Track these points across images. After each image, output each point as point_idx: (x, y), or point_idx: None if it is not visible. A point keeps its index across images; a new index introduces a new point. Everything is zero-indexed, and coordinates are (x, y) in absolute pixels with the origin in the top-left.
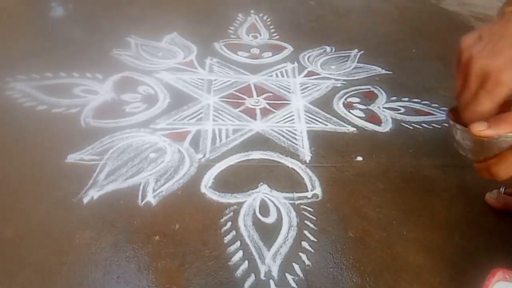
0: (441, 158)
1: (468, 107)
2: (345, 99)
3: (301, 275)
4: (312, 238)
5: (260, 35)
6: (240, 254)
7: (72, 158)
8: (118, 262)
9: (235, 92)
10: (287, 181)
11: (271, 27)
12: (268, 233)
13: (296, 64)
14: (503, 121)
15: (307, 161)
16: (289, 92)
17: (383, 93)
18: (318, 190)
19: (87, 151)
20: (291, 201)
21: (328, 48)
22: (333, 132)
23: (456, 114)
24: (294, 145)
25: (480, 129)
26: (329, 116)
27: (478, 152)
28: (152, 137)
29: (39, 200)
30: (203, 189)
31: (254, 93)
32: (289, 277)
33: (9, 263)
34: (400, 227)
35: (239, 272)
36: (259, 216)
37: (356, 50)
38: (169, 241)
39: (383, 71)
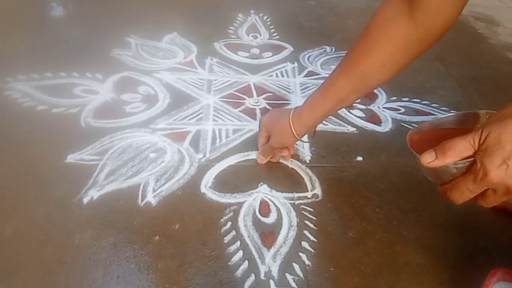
0: None
1: None
2: None
3: (301, 275)
4: (312, 238)
5: (260, 35)
6: (240, 254)
7: (72, 158)
8: (118, 262)
9: (235, 92)
10: (287, 181)
11: (271, 27)
12: (268, 233)
13: (296, 64)
14: (449, 149)
15: (307, 161)
16: (289, 92)
17: (383, 93)
18: (318, 190)
19: (87, 151)
20: (291, 201)
21: (328, 48)
22: (333, 132)
23: (419, 136)
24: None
25: (428, 160)
26: (329, 116)
27: (435, 177)
28: (152, 137)
29: (39, 200)
30: (203, 189)
31: (254, 93)
32: (289, 277)
33: (9, 263)
34: (400, 227)
35: (239, 272)
36: (259, 216)
37: None
38: (169, 241)
39: None
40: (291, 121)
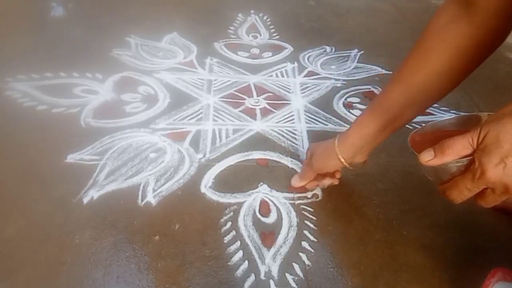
0: None
1: None
2: (345, 99)
3: (301, 275)
4: (312, 238)
5: (260, 35)
6: (240, 254)
7: (72, 158)
8: (118, 262)
9: (235, 92)
10: (287, 181)
11: (271, 27)
12: (268, 233)
13: (296, 64)
14: (448, 148)
15: None
16: (289, 92)
17: None
18: (318, 190)
19: (87, 151)
20: (291, 201)
21: (328, 48)
22: (333, 132)
23: (421, 137)
24: (294, 145)
25: (427, 159)
26: (329, 116)
27: (435, 176)
28: (152, 137)
29: (39, 200)
30: (203, 189)
31: (254, 93)
32: (289, 277)
33: (9, 263)
34: (400, 227)
35: (239, 272)
36: (259, 216)
37: (356, 50)
38: (169, 241)
39: (383, 71)
40: (336, 141)
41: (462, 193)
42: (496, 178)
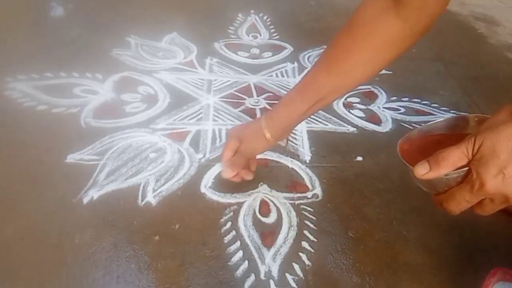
0: None
1: None
2: (345, 99)
3: (301, 275)
4: (312, 238)
5: (260, 35)
6: (240, 254)
7: (72, 158)
8: (118, 262)
9: (235, 92)
10: (287, 181)
11: (271, 27)
12: (268, 233)
13: (296, 64)
14: (443, 160)
15: (307, 161)
16: None
17: (383, 93)
18: (318, 190)
19: (87, 151)
20: (291, 201)
21: None
22: (333, 132)
23: (409, 145)
24: (294, 145)
25: (422, 172)
26: (329, 116)
27: (429, 187)
28: (152, 137)
29: (39, 200)
30: (203, 189)
31: (254, 93)
32: (289, 277)
33: (9, 263)
34: (400, 227)
35: (239, 272)
36: (259, 216)
37: None
38: (169, 241)
39: (383, 71)
40: (263, 122)
41: (460, 204)
42: (495, 190)
